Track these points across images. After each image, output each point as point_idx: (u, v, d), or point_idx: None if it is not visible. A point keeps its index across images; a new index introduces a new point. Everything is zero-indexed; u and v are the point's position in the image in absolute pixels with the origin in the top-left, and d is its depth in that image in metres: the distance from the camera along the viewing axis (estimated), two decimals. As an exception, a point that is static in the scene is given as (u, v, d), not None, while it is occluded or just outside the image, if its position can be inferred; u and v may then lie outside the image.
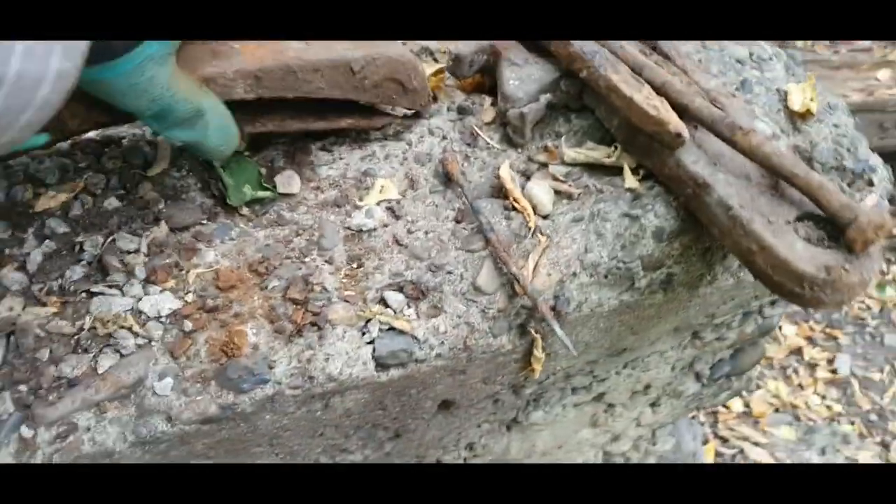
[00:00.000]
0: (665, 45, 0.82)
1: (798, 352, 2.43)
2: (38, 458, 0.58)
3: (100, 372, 0.60)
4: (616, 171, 0.77)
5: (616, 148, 0.77)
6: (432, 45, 0.99)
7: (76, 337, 0.63)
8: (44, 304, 0.64)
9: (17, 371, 0.60)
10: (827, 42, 2.83)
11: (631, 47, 0.77)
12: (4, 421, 0.58)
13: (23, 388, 0.60)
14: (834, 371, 2.36)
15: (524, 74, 0.80)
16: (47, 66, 0.44)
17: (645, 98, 0.70)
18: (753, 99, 0.85)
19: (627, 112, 0.72)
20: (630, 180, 0.75)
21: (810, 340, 2.47)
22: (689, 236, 0.73)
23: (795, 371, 2.37)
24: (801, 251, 0.63)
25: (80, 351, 0.62)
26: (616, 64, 0.74)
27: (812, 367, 2.38)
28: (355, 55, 0.73)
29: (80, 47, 0.47)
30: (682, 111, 0.71)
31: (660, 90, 0.72)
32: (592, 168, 0.78)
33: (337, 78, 0.72)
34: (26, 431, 0.58)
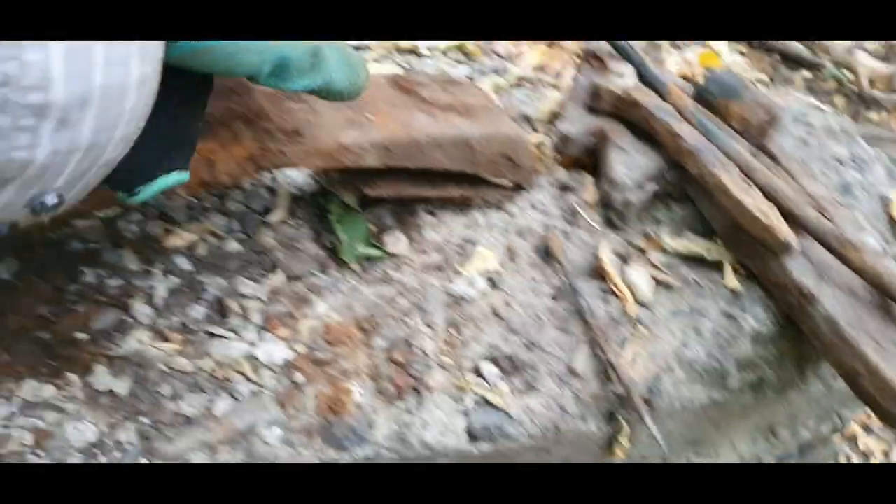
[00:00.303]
0: (772, 145, 0.84)
1: (853, 439, 2.36)
2: (153, 490, 0.61)
3: (215, 414, 0.64)
4: (715, 266, 0.78)
5: (717, 243, 0.79)
6: (530, 110, 1.02)
7: (195, 376, 0.67)
8: (167, 340, 0.69)
9: (141, 403, 0.65)
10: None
11: (740, 146, 0.79)
12: (128, 451, 0.62)
13: (145, 420, 0.64)
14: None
15: (630, 161, 0.82)
16: (128, 72, 0.41)
17: (754, 202, 0.72)
18: (855, 203, 0.86)
19: (735, 213, 0.73)
20: (731, 279, 0.76)
21: (866, 428, 2.39)
22: (785, 342, 0.73)
23: (848, 459, 2.30)
24: (908, 375, 0.63)
25: (198, 391, 0.66)
26: (726, 163, 0.76)
27: (866, 456, 2.31)
28: (474, 133, 0.76)
29: (156, 47, 0.44)
30: (790, 218, 0.73)
31: (769, 195, 0.74)
32: (691, 260, 0.80)
33: (456, 153, 0.76)
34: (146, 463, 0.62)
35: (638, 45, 0.92)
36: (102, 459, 0.62)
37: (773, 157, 0.83)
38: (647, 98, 0.83)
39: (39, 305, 0.71)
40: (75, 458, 0.61)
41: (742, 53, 1.44)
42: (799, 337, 0.73)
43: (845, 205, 0.80)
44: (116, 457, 0.62)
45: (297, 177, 0.87)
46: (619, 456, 0.74)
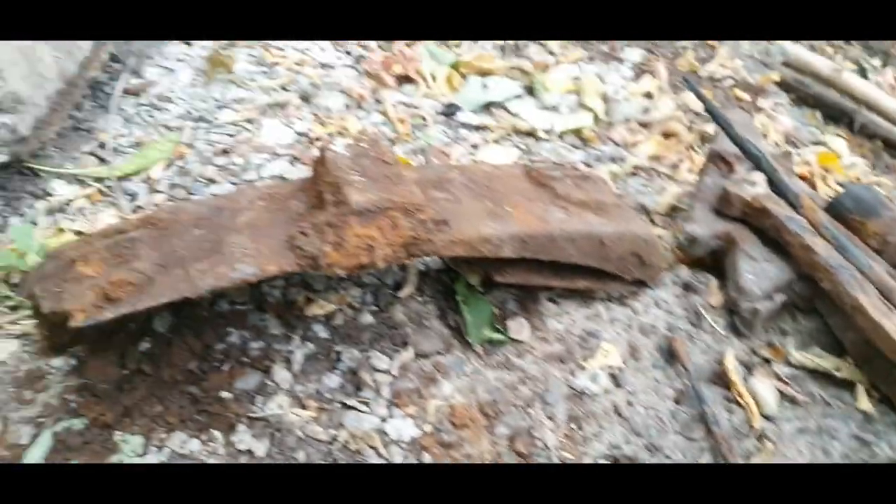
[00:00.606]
0: (908, 264, 0.82)
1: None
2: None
3: (348, 486, 0.67)
4: (845, 385, 0.77)
5: (848, 362, 0.77)
6: (646, 201, 1.04)
7: (330, 446, 0.70)
8: (304, 408, 0.72)
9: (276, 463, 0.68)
10: None
11: (879, 268, 0.78)
12: (264, 513, 0.65)
13: (281, 484, 0.67)
14: None
15: (760, 270, 0.82)
16: None
17: (894, 326, 0.71)
18: None
19: (872, 335, 0.72)
20: (863, 401, 0.74)
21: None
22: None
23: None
24: None
25: (331, 460, 0.69)
26: (864, 284, 0.75)
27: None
28: (607, 230, 0.79)
29: None
30: (930, 345, 0.71)
31: (910, 320, 0.72)
32: (819, 375, 0.78)
33: (588, 248, 0.78)
34: (279, 527, 0.65)
35: (768, 152, 0.93)
36: (239, 518, 0.65)
37: (908, 277, 0.81)
38: (779, 207, 0.84)
39: (190, 360, 0.76)
40: (216, 514, 0.65)
41: (840, 136, 1.42)
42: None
43: None
44: (252, 517, 0.65)
45: (424, 254, 0.91)
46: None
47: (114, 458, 0.68)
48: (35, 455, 0.69)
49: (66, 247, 0.72)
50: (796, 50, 1.79)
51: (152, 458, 0.68)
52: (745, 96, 1.46)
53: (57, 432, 0.70)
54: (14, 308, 0.83)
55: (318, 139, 1.12)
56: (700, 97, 1.03)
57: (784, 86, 1.76)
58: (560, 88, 1.41)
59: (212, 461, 0.69)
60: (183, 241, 0.69)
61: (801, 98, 1.56)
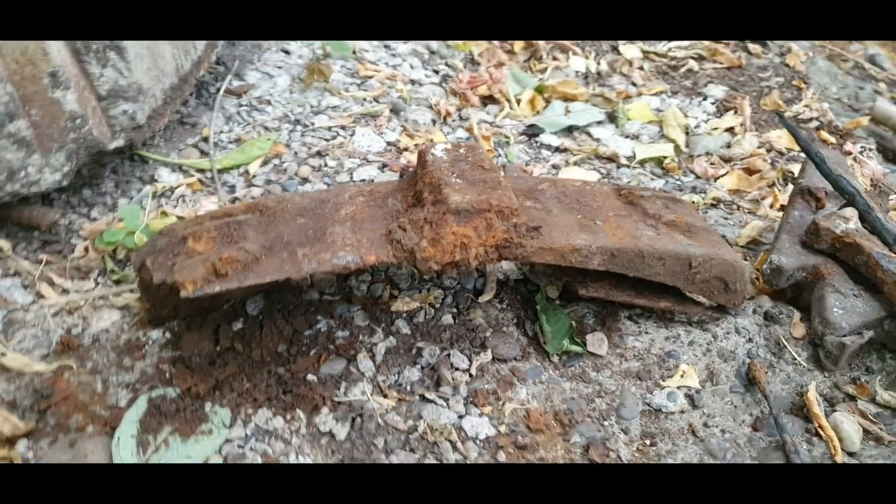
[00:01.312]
0: None
1: None
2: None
3: (424, 476, 0.68)
4: (934, 428, 0.74)
5: (938, 405, 0.75)
6: (726, 231, 1.03)
7: (408, 435, 0.71)
8: (385, 396, 0.75)
9: (356, 450, 0.70)
10: None
11: (977, 310, 0.76)
12: (343, 493, 0.67)
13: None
14: None
15: (849, 305, 0.81)
16: None
17: None
18: None
19: (968, 378, 0.70)
20: (954, 446, 0.72)
21: None
22: None
23: None
24: None
25: (408, 449, 0.70)
26: (961, 325, 0.73)
27: None
28: (696, 252, 0.79)
29: None
30: None
31: None
32: (906, 416, 0.76)
33: (675, 268, 0.79)
34: None
35: (863, 190, 0.92)
36: (318, 496, 0.67)
37: None
38: (871, 244, 0.83)
39: (279, 343, 0.80)
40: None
41: None
42: None
43: None
44: (330, 496, 0.67)
45: (504, 264, 0.93)
46: None
47: (203, 427, 0.71)
48: (131, 417, 0.73)
49: (176, 225, 0.77)
50: (882, 102, 1.76)
51: (238, 431, 0.71)
52: (831, 139, 1.44)
53: (152, 398, 0.74)
54: (118, 282, 0.88)
55: (406, 149, 1.16)
56: (793, 131, 1.02)
57: (871, 133, 1.73)
58: (642, 118, 1.42)
59: (294, 440, 0.71)
60: (288, 227, 0.73)
61: (883, 148, 1.53)
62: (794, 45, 1.79)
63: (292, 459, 0.70)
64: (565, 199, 0.82)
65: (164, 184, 1.02)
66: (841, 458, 0.72)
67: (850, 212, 0.88)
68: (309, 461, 0.70)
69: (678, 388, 0.79)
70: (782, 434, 0.73)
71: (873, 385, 0.79)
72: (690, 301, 0.85)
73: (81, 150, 0.90)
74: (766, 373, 0.80)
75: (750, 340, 0.84)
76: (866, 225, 0.86)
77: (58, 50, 0.82)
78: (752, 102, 1.51)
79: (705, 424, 0.76)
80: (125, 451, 0.70)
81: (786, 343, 0.83)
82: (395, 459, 0.70)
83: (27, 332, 0.82)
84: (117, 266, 0.90)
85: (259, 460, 0.69)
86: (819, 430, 0.74)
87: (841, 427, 0.74)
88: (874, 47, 1.99)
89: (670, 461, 0.73)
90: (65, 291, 0.87)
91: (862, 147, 1.44)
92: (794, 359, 0.82)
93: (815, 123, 1.49)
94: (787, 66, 1.72)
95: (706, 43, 1.75)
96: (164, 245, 0.73)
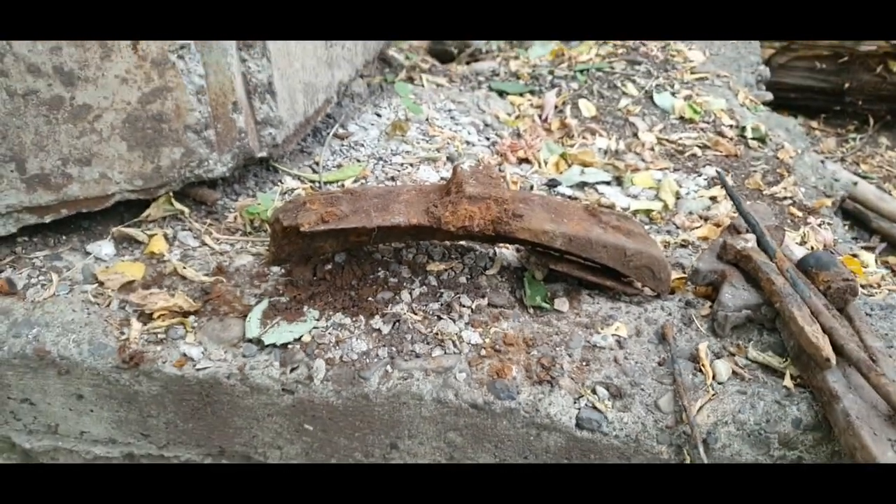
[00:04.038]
0: (850, 309, 1.14)
1: None
2: (388, 384, 1.06)
3: (433, 356, 1.09)
4: (782, 375, 1.09)
5: (787, 360, 1.10)
6: (685, 262, 1.41)
7: (426, 335, 1.12)
8: (415, 314, 1.16)
9: (393, 340, 1.11)
10: None
11: (817, 300, 1.11)
12: (379, 360, 1.08)
13: (394, 349, 1.10)
14: None
15: (737, 294, 1.18)
16: None
17: (812, 330, 1.04)
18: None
19: (798, 336, 1.05)
20: (788, 381, 1.06)
21: None
22: (820, 434, 1.01)
23: None
24: (890, 457, 0.89)
25: (425, 343, 1.11)
26: (801, 305, 1.09)
27: None
28: (630, 245, 1.18)
29: None
30: (839, 350, 1.03)
31: (826, 330, 1.05)
32: (766, 368, 1.11)
33: (615, 255, 1.18)
34: (388, 369, 1.07)
35: (763, 224, 1.29)
36: (366, 363, 1.08)
37: (849, 319, 1.13)
38: (759, 256, 1.20)
39: (352, 279, 1.23)
40: (354, 356, 1.09)
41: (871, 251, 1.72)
42: (830, 432, 1.00)
43: (894, 357, 1.07)
44: (372, 362, 1.08)
45: (508, 255, 1.34)
46: (678, 477, 1.04)
47: (301, 318, 1.15)
48: (258, 309, 1.17)
49: (299, 196, 1.24)
50: (862, 185, 2.12)
51: (322, 323, 1.14)
52: (798, 213, 1.80)
53: (271, 301, 1.18)
54: (250, 237, 1.35)
55: (454, 183, 1.61)
56: (722, 182, 1.42)
57: (846, 214, 2.08)
58: (643, 184, 1.83)
59: (356, 332, 1.13)
60: (366, 202, 1.18)
61: (859, 220, 1.88)
62: (787, 144, 2.18)
63: (353, 341, 1.11)
64: (547, 206, 1.23)
65: (288, 186, 1.50)
66: (710, 382, 1.07)
67: (750, 236, 1.25)
68: (364, 343, 1.11)
69: (612, 335, 1.17)
70: (675, 365, 1.10)
71: (748, 348, 1.14)
72: (631, 286, 1.24)
73: (241, 154, 1.39)
74: (675, 332, 1.17)
75: (670, 314, 1.21)
76: (761, 245, 1.24)
77: (240, 87, 1.33)
78: (736, 180, 1.89)
79: (625, 357, 1.13)
80: (253, 326, 1.14)
81: (694, 318, 1.20)
82: (416, 347, 1.10)
83: (195, 261, 1.29)
84: (253, 229, 1.37)
85: (332, 340, 1.11)
86: (702, 367, 1.10)
87: (716, 366, 1.10)
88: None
89: (596, 375, 1.10)
90: (219, 242, 1.34)
91: (821, 221, 1.79)
92: (698, 328, 1.19)
93: (788, 202, 1.86)
94: (777, 158, 2.10)
95: (710, 135, 2.16)
96: (290, 206, 1.19)
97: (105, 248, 1.30)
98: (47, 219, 1.28)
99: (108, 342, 1.12)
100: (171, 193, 1.37)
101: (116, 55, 1.17)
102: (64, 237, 1.34)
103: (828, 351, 1.01)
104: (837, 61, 3.32)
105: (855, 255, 1.69)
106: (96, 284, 1.22)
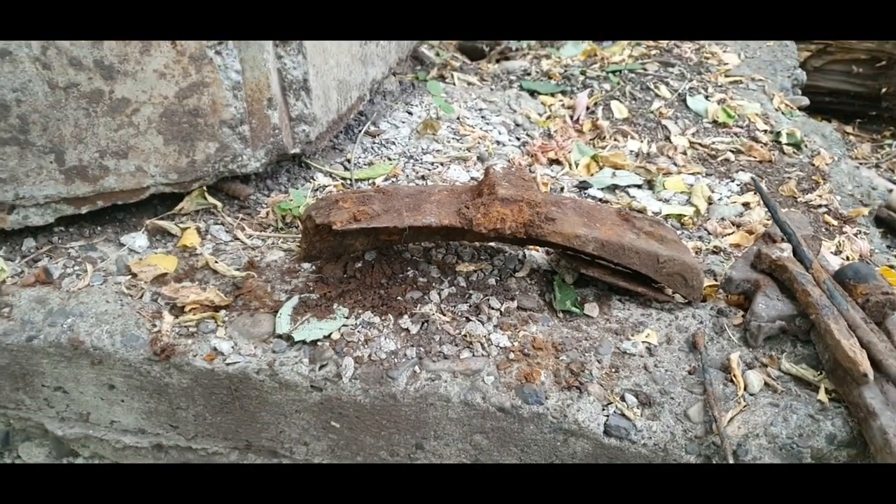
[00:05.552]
0: (889, 323, 1.12)
1: None
2: (416, 384, 1.06)
3: (461, 357, 1.08)
4: (816, 388, 1.07)
5: (821, 373, 1.08)
6: (717, 269, 1.39)
7: (454, 337, 1.12)
8: (444, 315, 1.16)
9: (422, 341, 1.11)
10: None
11: (855, 313, 1.09)
12: (407, 360, 1.08)
13: (421, 350, 1.10)
14: None
15: (771, 304, 1.16)
16: None
17: (849, 344, 1.02)
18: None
19: (834, 350, 1.03)
20: (823, 395, 1.04)
21: None
22: (854, 450, 0.99)
23: None
24: (927, 479, 0.87)
25: (454, 344, 1.11)
26: (838, 318, 1.07)
27: None
28: (663, 252, 1.17)
29: None
30: (877, 366, 1.01)
31: (864, 345, 1.03)
32: (799, 381, 1.09)
33: (647, 261, 1.17)
34: (416, 370, 1.07)
35: (800, 234, 1.27)
36: (394, 362, 1.08)
37: (888, 333, 1.11)
38: (795, 266, 1.18)
39: (382, 278, 1.23)
40: (382, 355, 1.09)
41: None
42: (865, 449, 0.98)
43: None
44: (400, 362, 1.08)
45: (537, 257, 1.33)
46: (706, 488, 1.02)
47: (330, 316, 1.15)
48: (288, 305, 1.17)
49: (331, 194, 1.24)
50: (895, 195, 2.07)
51: (352, 321, 1.14)
52: (833, 222, 1.77)
53: (301, 297, 1.19)
54: (282, 233, 1.36)
55: (484, 183, 1.60)
56: (758, 189, 1.39)
57: (878, 221, 2.03)
58: (675, 189, 1.81)
59: (385, 331, 1.13)
60: (398, 202, 1.18)
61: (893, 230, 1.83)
62: (823, 150, 2.14)
63: (383, 340, 1.11)
64: (580, 210, 1.22)
65: (320, 183, 1.50)
66: (742, 394, 1.06)
67: (786, 245, 1.23)
68: (392, 343, 1.11)
69: (642, 342, 1.15)
70: (705, 375, 1.08)
71: (781, 359, 1.12)
72: (663, 292, 1.22)
73: (274, 151, 1.40)
74: (706, 340, 1.15)
75: (701, 323, 1.20)
76: (797, 255, 1.22)
77: (275, 84, 1.34)
78: (771, 187, 1.86)
79: (655, 365, 1.12)
80: (283, 322, 1.14)
81: (726, 327, 1.19)
82: (444, 349, 1.10)
83: (227, 256, 1.30)
84: (285, 225, 1.37)
85: (361, 338, 1.12)
86: (733, 378, 1.09)
87: (748, 377, 1.08)
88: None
89: (625, 382, 1.09)
90: (251, 237, 1.35)
91: (858, 230, 1.76)
92: (730, 338, 1.17)
93: (823, 210, 1.82)
94: (812, 165, 2.06)
95: (744, 140, 2.13)
96: (323, 204, 1.20)
97: (139, 239, 1.32)
98: (84, 210, 1.30)
99: (140, 334, 1.13)
100: (204, 188, 1.39)
101: (155, 50, 1.19)
102: (99, 228, 1.36)
103: (865, 366, 0.99)
104: (875, 65, 3.26)
105: (892, 266, 1.66)
106: (130, 276, 1.24)
